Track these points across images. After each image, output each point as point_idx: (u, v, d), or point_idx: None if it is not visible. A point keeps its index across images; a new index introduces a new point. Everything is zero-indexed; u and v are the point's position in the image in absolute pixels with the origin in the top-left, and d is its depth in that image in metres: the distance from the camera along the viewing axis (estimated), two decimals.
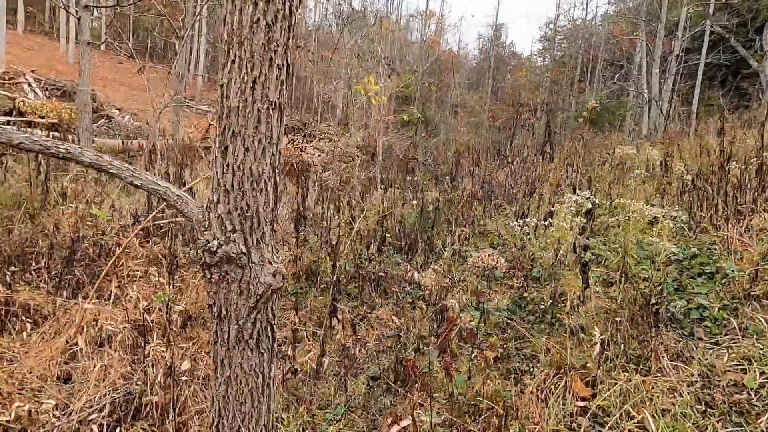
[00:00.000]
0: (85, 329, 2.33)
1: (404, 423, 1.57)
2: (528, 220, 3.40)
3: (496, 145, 10.02)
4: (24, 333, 2.46)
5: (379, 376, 1.87)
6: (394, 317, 2.44)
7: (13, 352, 2.28)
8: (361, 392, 1.87)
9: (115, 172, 0.94)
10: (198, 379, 2.01)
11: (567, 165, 6.36)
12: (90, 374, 2.05)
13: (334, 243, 3.38)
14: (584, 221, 2.90)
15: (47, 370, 2.11)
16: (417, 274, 2.78)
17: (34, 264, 3.27)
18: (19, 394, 1.95)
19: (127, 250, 3.34)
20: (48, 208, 3.93)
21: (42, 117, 9.69)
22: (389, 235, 3.39)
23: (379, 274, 2.75)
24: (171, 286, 2.50)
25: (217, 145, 1.00)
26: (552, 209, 3.59)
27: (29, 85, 14.32)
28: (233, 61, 0.99)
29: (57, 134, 8.17)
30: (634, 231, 3.58)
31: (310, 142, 11.93)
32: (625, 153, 7.05)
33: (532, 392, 1.89)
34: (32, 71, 15.02)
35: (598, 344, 1.97)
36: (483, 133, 14.23)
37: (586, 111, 5.36)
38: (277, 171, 1.06)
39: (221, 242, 1.02)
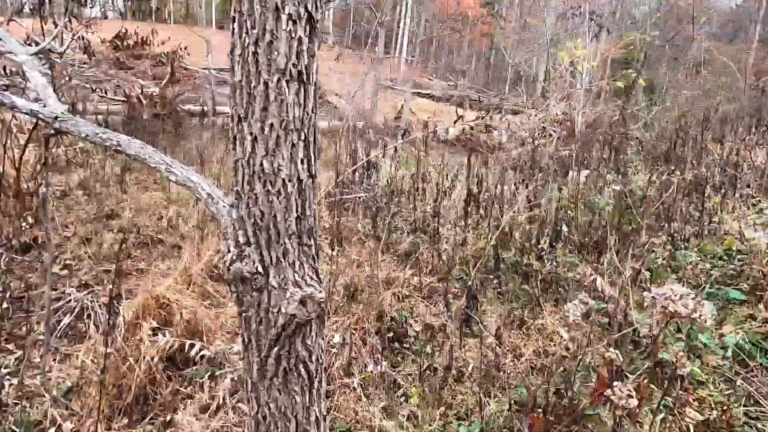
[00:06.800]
0: None
1: None
2: None
3: (755, 113, 7.41)
4: None
5: (526, 403, 1.57)
6: (561, 330, 2.03)
7: (225, 297, 2.85)
8: (502, 413, 1.61)
9: (153, 165, 0.95)
10: (344, 354, 2.10)
11: None
12: None
13: (504, 230, 3.06)
14: None
15: None
16: (600, 281, 2.24)
17: None
18: (224, 334, 2.43)
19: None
20: None
21: None
22: (567, 228, 2.84)
23: (549, 273, 2.33)
24: (333, 260, 2.70)
25: (229, 133, 0.83)
26: None
27: None
28: (233, 18, 0.76)
29: None
30: None
31: (501, 117, 11.29)
32: None
33: None
34: None
35: None
36: (738, 97, 10.71)
37: None
38: (304, 166, 0.81)
39: (234, 256, 0.84)
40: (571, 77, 10.60)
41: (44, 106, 1.15)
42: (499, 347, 1.84)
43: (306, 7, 0.76)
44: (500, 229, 2.88)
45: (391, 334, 2.39)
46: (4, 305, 2.79)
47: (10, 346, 2.64)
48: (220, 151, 5.37)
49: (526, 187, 3.51)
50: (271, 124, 0.78)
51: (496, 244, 2.78)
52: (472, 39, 29.37)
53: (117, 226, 3.66)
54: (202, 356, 2.20)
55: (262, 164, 0.80)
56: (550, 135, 8.98)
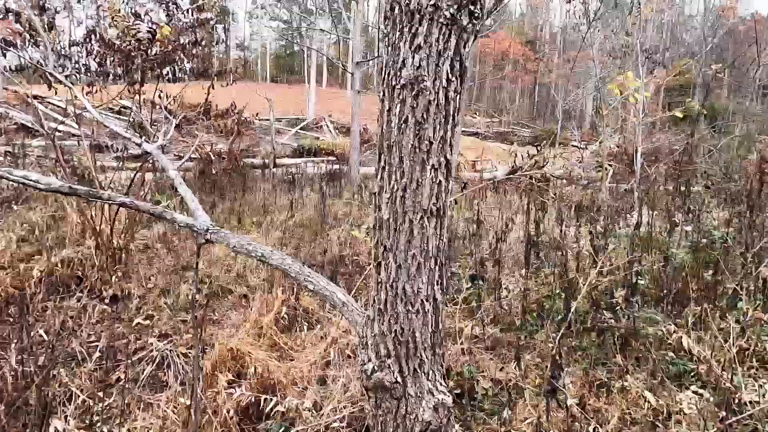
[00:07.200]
0: (337, 341, 2.79)
1: None
2: None
3: None
4: (302, 332, 3.15)
5: None
6: (648, 393, 1.89)
7: (293, 349, 2.93)
8: None
9: (293, 275, 1.05)
10: None
11: None
12: (336, 384, 2.43)
13: (569, 278, 2.95)
14: None
15: (311, 372, 2.61)
16: (686, 340, 2.10)
17: None
18: (296, 389, 2.49)
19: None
20: (325, 228, 4.97)
21: (331, 152, 12.58)
22: (642, 281, 2.68)
23: (627, 330, 2.19)
24: None
25: (373, 259, 0.96)
26: None
27: (327, 126, 18.94)
28: (383, 168, 0.91)
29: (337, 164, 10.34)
30: None
31: (552, 152, 11.10)
32: None
33: None
34: (329, 116, 19.79)
35: None
36: None
37: None
38: (439, 286, 0.92)
39: (375, 367, 0.93)
40: (623, 110, 10.31)
41: (194, 218, 1.34)
42: (584, 416, 1.74)
43: (446, 156, 0.90)
44: (569, 280, 2.79)
45: (458, 391, 2.34)
46: (96, 354, 3.04)
47: (101, 394, 2.85)
48: (281, 200, 5.68)
49: (590, 233, 3.40)
50: (413, 254, 0.90)
51: (564, 295, 2.69)
52: (515, 76, 29.59)
53: (192, 278, 3.93)
54: (276, 411, 2.26)
55: (404, 287, 0.92)
56: (606, 169, 8.67)
